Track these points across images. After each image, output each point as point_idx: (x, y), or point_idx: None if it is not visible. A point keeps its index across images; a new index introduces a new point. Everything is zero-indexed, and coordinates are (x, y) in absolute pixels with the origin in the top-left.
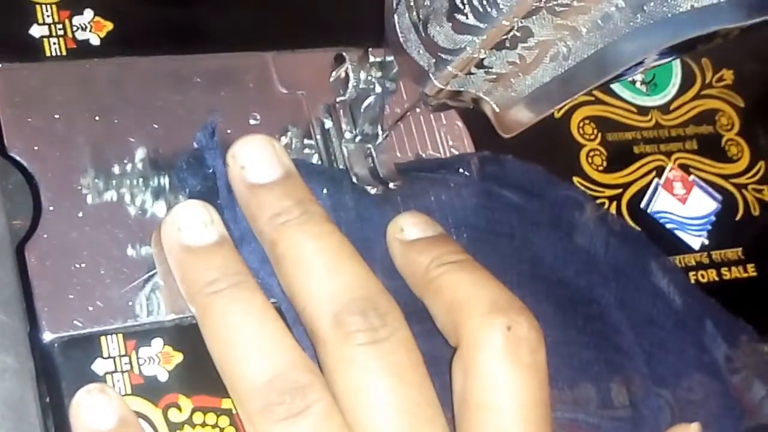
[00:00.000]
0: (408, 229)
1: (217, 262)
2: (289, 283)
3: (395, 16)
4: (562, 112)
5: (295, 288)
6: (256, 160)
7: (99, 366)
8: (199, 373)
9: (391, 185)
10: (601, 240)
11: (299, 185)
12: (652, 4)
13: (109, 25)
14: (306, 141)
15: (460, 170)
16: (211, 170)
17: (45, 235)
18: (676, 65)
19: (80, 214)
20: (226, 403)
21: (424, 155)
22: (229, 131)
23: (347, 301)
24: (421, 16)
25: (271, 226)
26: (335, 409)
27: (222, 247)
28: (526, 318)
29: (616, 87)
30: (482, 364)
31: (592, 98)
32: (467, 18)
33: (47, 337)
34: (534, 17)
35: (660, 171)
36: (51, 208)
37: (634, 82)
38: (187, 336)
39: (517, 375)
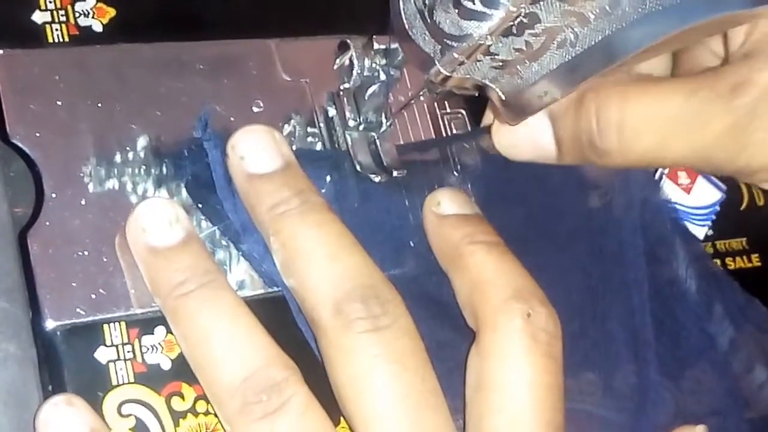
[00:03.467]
0: (445, 203)
1: (185, 262)
2: (290, 273)
3: (400, 2)
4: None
5: (295, 278)
6: (255, 151)
7: (102, 354)
8: None
9: (395, 173)
10: (635, 212)
11: (299, 175)
12: None
13: (112, 12)
14: (309, 129)
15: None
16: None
17: (47, 223)
18: None
19: (83, 202)
20: None
21: None
22: (232, 119)
23: (348, 289)
24: (426, 2)
25: (271, 216)
26: (314, 402)
27: (189, 245)
28: (547, 309)
29: None
30: (499, 347)
31: None
32: (474, 4)
33: (50, 324)
34: (541, 3)
35: None
36: (53, 196)
37: None
38: None
39: (532, 360)
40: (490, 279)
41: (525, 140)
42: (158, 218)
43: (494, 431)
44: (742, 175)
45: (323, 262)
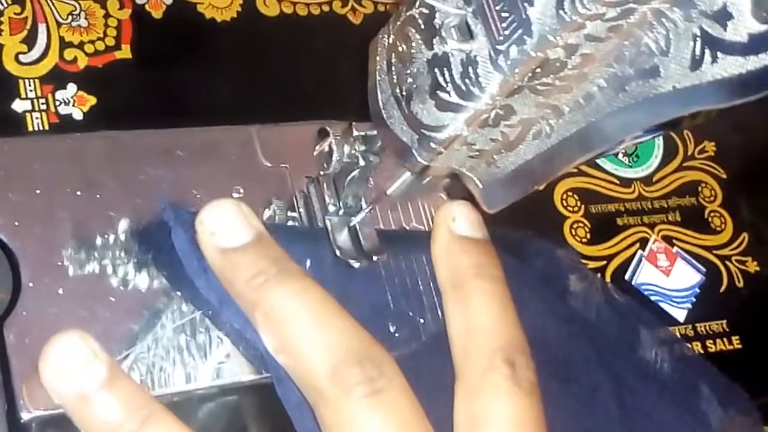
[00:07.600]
0: (460, 221)
1: (119, 400)
2: (278, 343)
3: (379, 92)
4: (545, 184)
5: (285, 347)
6: (225, 225)
7: None
8: None
9: (374, 258)
10: (592, 306)
11: (273, 245)
12: (633, 84)
13: (93, 100)
14: (290, 213)
15: None
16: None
17: (24, 312)
18: (659, 137)
19: (60, 291)
20: None
21: (407, 228)
22: None
23: (342, 353)
24: (404, 93)
25: (251, 287)
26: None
27: (116, 381)
28: (530, 363)
29: (598, 159)
30: (489, 387)
31: (575, 170)
32: (450, 95)
33: (25, 416)
34: (516, 96)
35: (644, 243)
36: (31, 285)
37: (616, 154)
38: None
39: (518, 400)
40: (485, 328)
41: None
42: (76, 359)
43: None
44: None
45: (312, 328)
